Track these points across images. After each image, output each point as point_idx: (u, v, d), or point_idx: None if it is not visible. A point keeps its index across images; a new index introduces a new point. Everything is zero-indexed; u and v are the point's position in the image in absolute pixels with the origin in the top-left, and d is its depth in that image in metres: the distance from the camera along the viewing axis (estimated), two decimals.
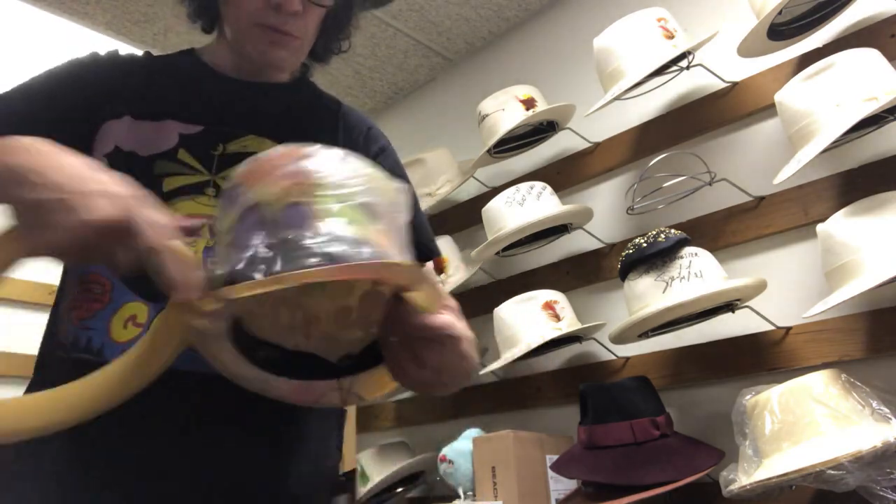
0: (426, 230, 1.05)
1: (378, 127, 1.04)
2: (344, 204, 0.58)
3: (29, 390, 0.79)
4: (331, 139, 0.94)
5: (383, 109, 2.54)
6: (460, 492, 1.62)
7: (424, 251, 1.01)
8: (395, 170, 1.02)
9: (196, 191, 0.82)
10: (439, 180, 1.98)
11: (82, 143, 0.78)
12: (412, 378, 0.67)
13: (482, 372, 1.75)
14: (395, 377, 0.69)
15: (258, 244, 0.55)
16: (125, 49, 0.94)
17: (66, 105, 0.84)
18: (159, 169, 0.82)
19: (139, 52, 0.95)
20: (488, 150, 1.83)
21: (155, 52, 0.97)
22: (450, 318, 0.67)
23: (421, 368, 0.65)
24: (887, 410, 1.11)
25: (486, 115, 1.81)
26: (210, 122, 0.87)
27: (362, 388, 0.69)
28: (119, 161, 0.80)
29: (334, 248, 0.54)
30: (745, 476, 1.16)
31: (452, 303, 0.72)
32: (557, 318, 1.61)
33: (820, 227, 1.22)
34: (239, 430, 0.78)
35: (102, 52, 0.92)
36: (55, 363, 0.79)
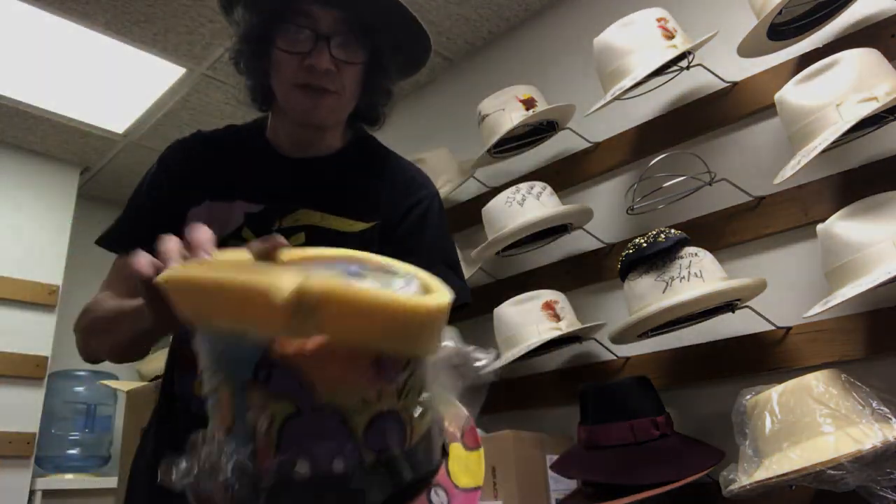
0: (438, 275, 1.10)
1: (423, 176, 1.11)
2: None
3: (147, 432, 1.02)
4: (377, 195, 1.03)
5: None
6: None
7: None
8: (425, 219, 1.05)
9: None
10: (439, 180, 1.98)
11: (176, 230, 0.87)
12: None
13: (482, 372, 1.75)
14: None
15: None
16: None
17: (164, 210, 0.97)
18: (229, 247, 0.89)
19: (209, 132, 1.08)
20: (488, 150, 1.83)
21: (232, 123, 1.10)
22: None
23: None
24: (887, 410, 1.11)
25: (486, 115, 1.81)
26: (269, 201, 0.98)
27: None
28: None
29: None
30: (745, 476, 1.16)
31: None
32: (557, 318, 1.61)
33: (820, 227, 1.22)
34: None
35: (184, 140, 1.06)
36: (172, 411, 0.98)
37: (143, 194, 1.03)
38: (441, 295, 0.50)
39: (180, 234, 0.82)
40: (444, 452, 0.54)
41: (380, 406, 0.45)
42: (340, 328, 0.42)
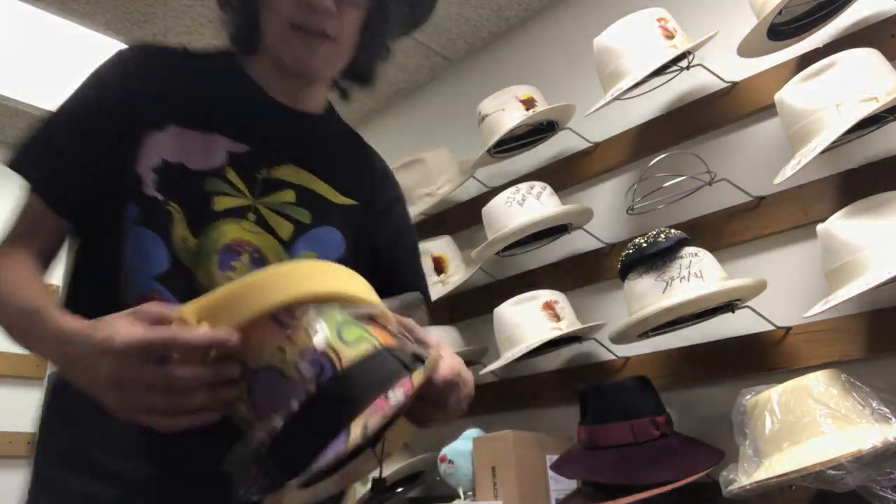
0: (418, 275, 1.06)
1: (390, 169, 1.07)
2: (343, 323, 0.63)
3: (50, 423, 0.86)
4: (358, 176, 0.97)
5: (383, 109, 2.54)
6: (460, 492, 1.62)
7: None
8: (405, 222, 1.06)
9: (240, 214, 0.82)
10: (439, 180, 1.98)
11: (127, 159, 0.79)
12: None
13: (482, 372, 1.75)
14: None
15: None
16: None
17: (107, 128, 0.81)
18: (210, 186, 0.81)
19: (173, 46, 0.91)
20: (488, 150, 1.83)
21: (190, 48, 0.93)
22: (452, 363, 0.73)
23: (437, 410, 0.73)
24: (887, 410, 1.11)
25: (486, 115, 1.81)
26: (255, 144, 0.86)
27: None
28: (169, 175, 0.80)
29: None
30: (745, 476, 1.16)
31: (436, 339, 0.74)
32: (557, 318, 1.61)
33: (820, 227, 1.22)
34: None
35: (130, 49, 0.86)
36: None
37: (88, 109, 0.82)
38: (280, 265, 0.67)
39: (131, 165, 0.77)
40: (419, 359, 0.64)
41: (295, 347, 0.59)
42: (225, 319, 0.59)
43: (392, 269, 0.99)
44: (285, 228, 0.85)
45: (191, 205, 0.79)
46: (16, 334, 0.72)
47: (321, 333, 0.60)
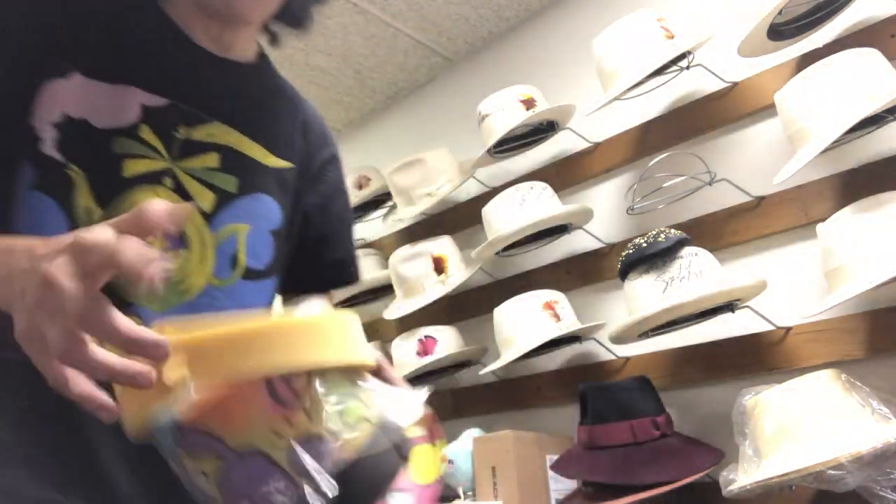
0: (347, 245, 0.96)
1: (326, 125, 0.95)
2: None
3: None
4: (294, 134, 0.86)
5: (383, 109, 2.54)
6: (460, 492, 1.62)
7: (340, 273, 0.94)
8: (341, 184, 0.95)
9: (155, 180, 0.70)
10: (439, 180, 1.98)
11: (21, 109, 0.66)
12: None
13: (482, 372, 1.75)
14: None
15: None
16: None
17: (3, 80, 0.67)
18: (119, 147, 0.69)
19: None
20: (488, 150, 1.83)
21: None
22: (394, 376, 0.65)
23: None
24: (887, 410, 1.11)
25: (486, 115, 1.81)
26: (176, 97, 0.73)
27: None
28: (70, 133, 0.67)
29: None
30: (745, 476, 1.16)
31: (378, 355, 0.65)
32: (557, 318, 1.61)
33: (820, 227, 1.22)
34: None
35: None
36: None
37: None
38: (308, 312, 0.52)
39: (25, 116, 0.64)
40: (403, 457, 0.55)
41: (294, 432, 0.46)
42: (208, 371, 0.43)
43: (321, 240, 0.91)
44: (206, 198, 0.74)
45: (96, 169, 0.68)
46: None
47: (323, 416, 0.48)
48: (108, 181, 0.68)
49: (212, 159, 0.75)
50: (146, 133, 0.70)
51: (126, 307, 0.58)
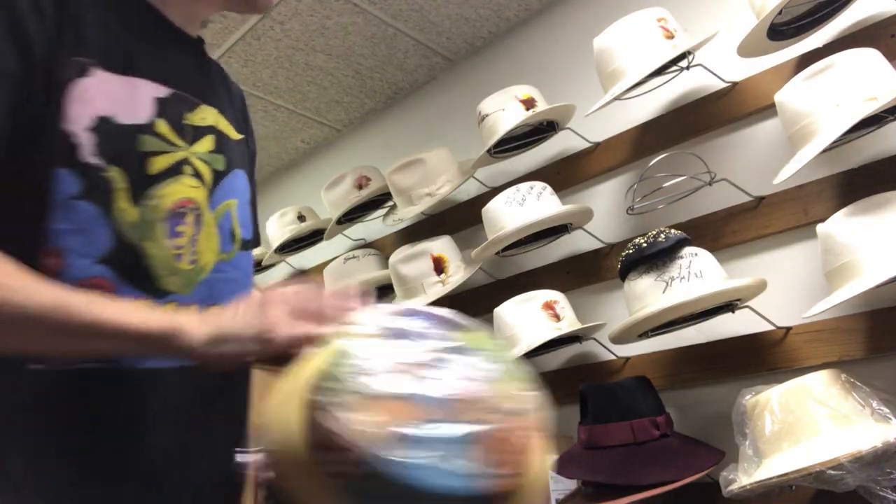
0: (256, 220, 0.97)
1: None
2: None
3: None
4: (234, 103, 0.89)
5: (383, 109, 2.54)
6: None
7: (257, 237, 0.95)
8: (254, 144, 0.97)
9: (177, 170, 0.72)
10: (439, 180, 1.98)
11: (49, 114, 0.64)
12: None
13: None
14: None
15: None
16: None
17: (22, 69, 0.63)
18: (144, 145, 0.70)
19: None
20: (488, 150, 1.83)
21: None
22: None
23: None
24: (887, 410, 1.11)
25: (486, 115, 1.81)
26: (176, 86, 0.74)
27: None
28: (104, 134, 0.67)
29: None
30: (745, 476, 1.16)
31: None
32: (557, 317, 1.61)
33: (820, 227, 1.22)
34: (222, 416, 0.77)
35: None
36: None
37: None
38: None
39: (55, 121, 0.63)
40: None
41: None
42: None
43: (253, 203, 0.92)
44: (209, 179, 0.77)
45: (129, 169, 0.68)
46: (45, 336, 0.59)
47: None
48: (139, 180, 0.69)
49: (209, 142, 0.77)
50: (162, 127, 0.72)
51: (163, 296, 0.68)
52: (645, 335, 1.46)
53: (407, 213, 2.01)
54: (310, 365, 0.58)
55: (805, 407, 1.13)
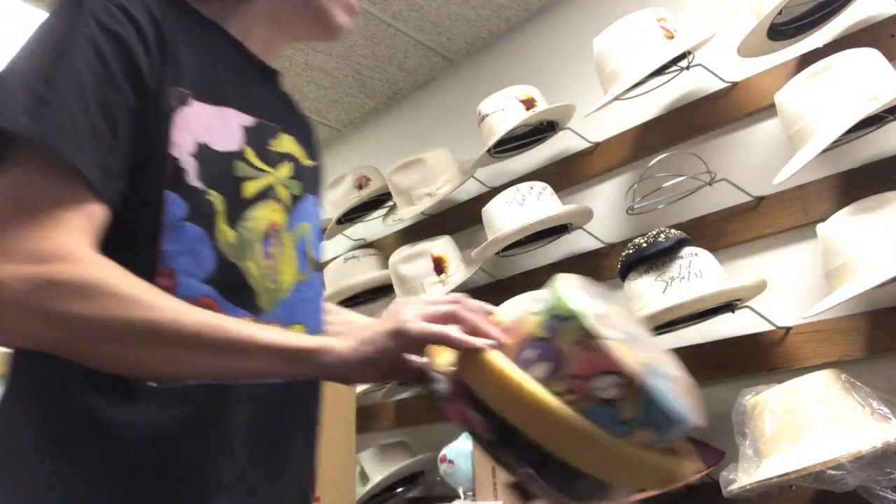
0: None
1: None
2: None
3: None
4: (307, 132, 0.91)
5: (383, 109, 2.54)
6: (460, 492, 1.62)
7: None
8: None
9: (266, 195, 0.76)
10: (439, 180, 1.98)
11: (156, 141, 0.68)
12: None
13: None
14: None
15: None
16: None
17: (132, 101, 0.67)
18: (237, 171, 0.74)
19: None
20: (488, 150, 1.83)
21: None
22: None
23: None
24: (887, 410, 1.11)
25: (486, 115, 1.81)
26: (259, 114, 0.78)
27: None
28: (205, 160, 0.71)
29: None
30: (745, 476, 1.16)
31: None
32: None
33: (820, 227, 1.22)
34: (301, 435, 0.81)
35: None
36: None
37: (107, 71, 0.65)
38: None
39: (162, 148, 0.68)
40: None
41: None
42: None
43: None
44: (288, 202, 0.80)
45: (227, 193, 0.73)
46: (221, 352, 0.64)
47: None
48: (235, 203, 0.73)
49: (288, 168, 0.81)
50: (250, 154, 0.76)
51: (258, 314, 0.72)
52: None
53: (407, 213, 2.01)
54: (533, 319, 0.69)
55: (805, 407, 1.13)
